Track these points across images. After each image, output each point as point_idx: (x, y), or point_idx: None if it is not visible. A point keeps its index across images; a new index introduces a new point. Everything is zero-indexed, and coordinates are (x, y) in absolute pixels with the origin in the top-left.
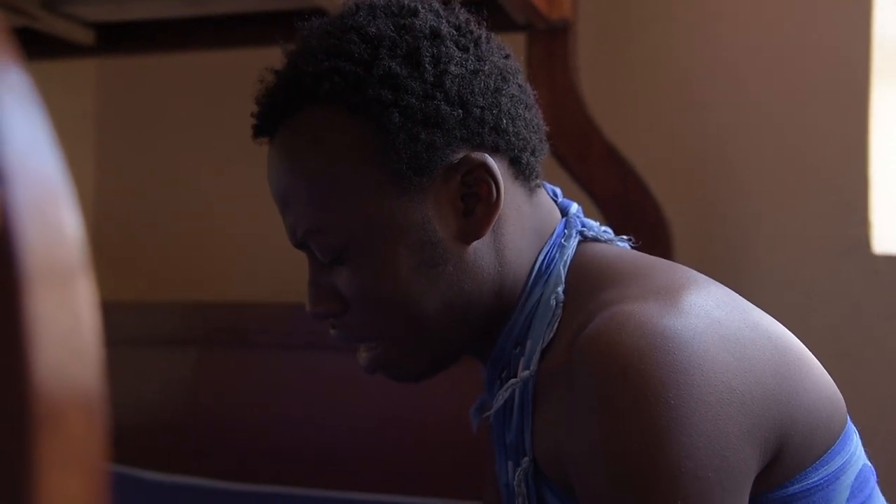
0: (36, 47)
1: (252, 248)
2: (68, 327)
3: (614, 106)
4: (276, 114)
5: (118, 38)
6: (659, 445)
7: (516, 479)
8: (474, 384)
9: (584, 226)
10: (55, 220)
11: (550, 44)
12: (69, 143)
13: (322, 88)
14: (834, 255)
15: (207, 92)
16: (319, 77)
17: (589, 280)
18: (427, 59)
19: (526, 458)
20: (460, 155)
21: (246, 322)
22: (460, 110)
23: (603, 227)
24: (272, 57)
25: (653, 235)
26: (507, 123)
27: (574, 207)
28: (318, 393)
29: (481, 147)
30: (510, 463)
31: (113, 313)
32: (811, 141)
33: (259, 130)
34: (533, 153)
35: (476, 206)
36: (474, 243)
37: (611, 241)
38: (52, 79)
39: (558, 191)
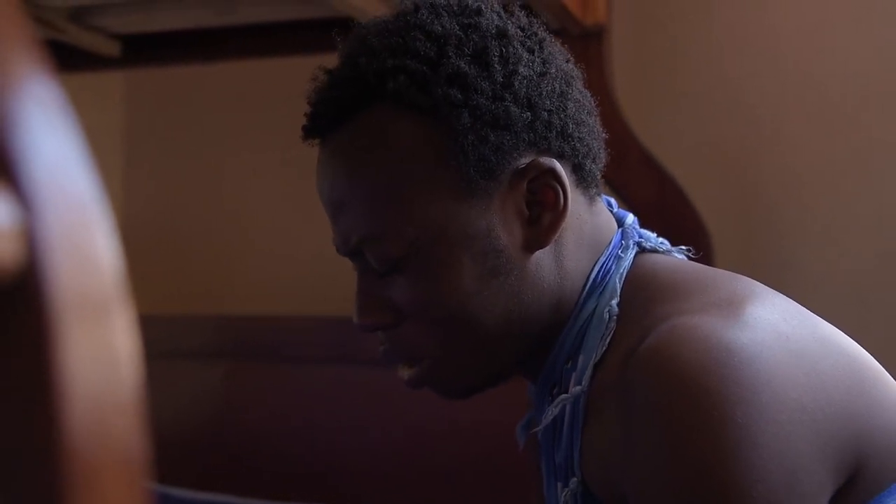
0: (61, 60)
1: (282, 260)
2: (106, 376)
3: (651, 112)
4: (332, 114)
5: (144, 49)
6: (727, 468)
7: (562, 499)
8: (513, 399)
9: (641, 237)
10: (90, 253)
11: (585, 49)
12: (97, 156)
13: (387, 87)
14: (890, 263)
15: (236, 103)
16: (383, 76)
17: (645, 293)
18: (496, 58)
19: (574, 479)
20: (527, 160)
21: (276, 335)
22: (528, 113)
23: (660, 239)
24: (301, 66)
25: (692, 244)
26: (572, 128)
27: (630, 218)
28: (350, 407)
29: (547, 152)
30: (559, 484)
31: (142, 327)
32: (864, 145)
33: (311, 131)
34: (594, 160)
35: (542, 214)
36: (537, 253)
37: (668, 252)
38: (80, 92)
39: (613, 201)
